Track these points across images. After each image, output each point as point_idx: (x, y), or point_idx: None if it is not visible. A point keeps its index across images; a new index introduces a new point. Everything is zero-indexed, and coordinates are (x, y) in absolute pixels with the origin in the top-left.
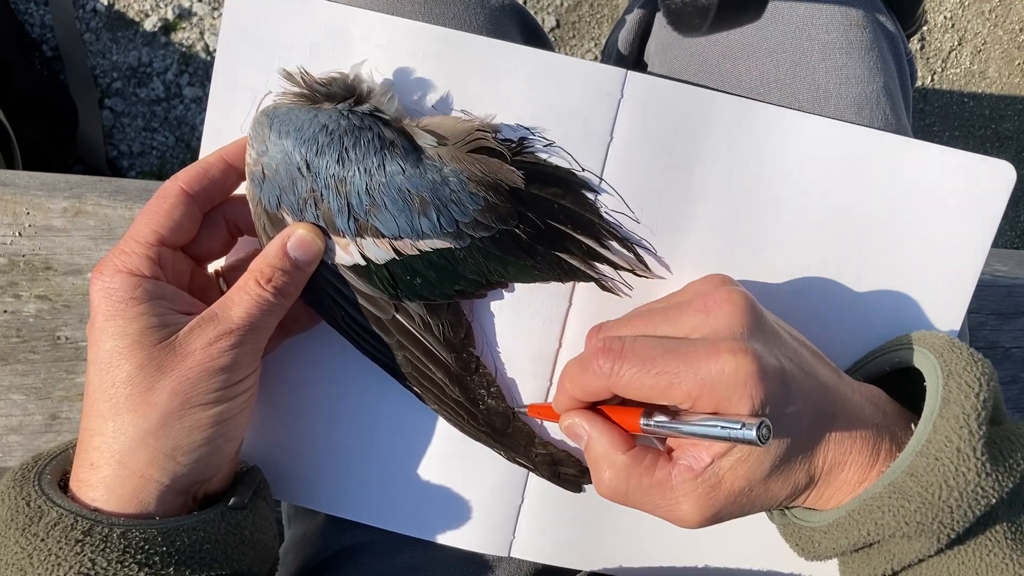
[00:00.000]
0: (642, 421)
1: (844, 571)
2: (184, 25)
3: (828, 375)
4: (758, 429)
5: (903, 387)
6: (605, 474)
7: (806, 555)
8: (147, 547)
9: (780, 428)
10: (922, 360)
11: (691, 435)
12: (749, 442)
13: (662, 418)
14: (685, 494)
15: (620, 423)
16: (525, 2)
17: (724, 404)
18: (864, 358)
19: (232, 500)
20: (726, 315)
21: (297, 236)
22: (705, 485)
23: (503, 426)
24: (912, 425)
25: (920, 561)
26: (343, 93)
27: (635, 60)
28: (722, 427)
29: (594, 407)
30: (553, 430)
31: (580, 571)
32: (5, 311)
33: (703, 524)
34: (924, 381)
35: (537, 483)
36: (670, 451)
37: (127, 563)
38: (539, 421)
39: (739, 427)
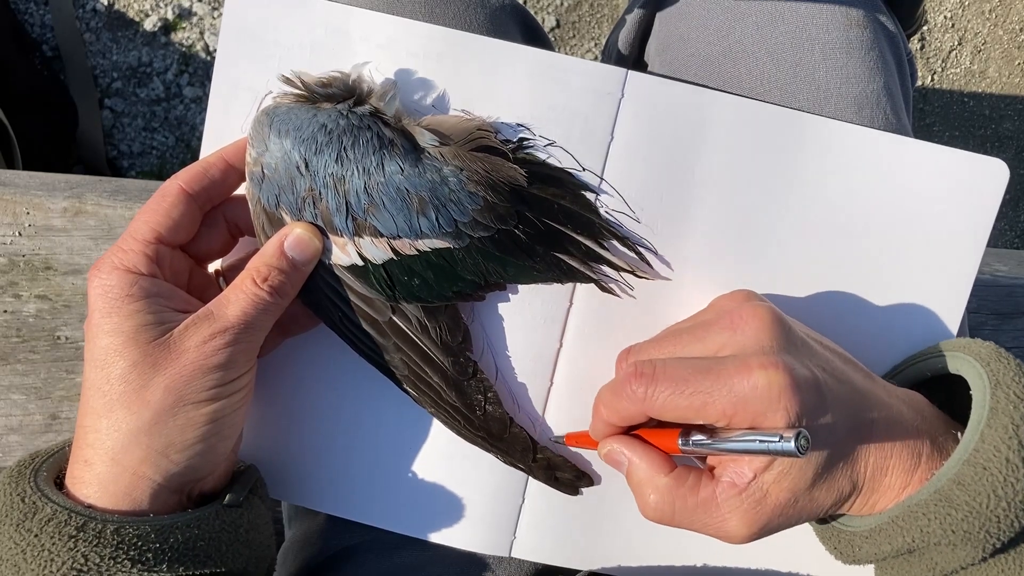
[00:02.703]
0: (680, 442)
1: None
2: (184, 25)
3: (862, 380)
4: (796, 440)
5: (941, 393)
6: (650, 497)
7: (844, 559)
8: (140, 544)
9: (818, 437)
10: (967, 368)
11: (730, 452)
12: (788, 454)
13: (700, 437)
14: (731, 511)
15: (658, 445)
16: (525, 2)
17: (760, 419)
18: (903, 363)
19: (227, 498)
20: (753, 331)
21: (294, 235)
22: (750, 500)
23: (500, 431)
24: (953, 431)
25: (962, 569)
26: (343, 93)
27: (635, 60)
28: (760, 441)
29: (630, 431)
30: (550, 435)
31: (580, 571)
32: (5, 311)
33: (752, 538)
34: (967, 389)
35: (537, 483)
36: (711, 469)
37: (120, 559)
38: (534, 424)
39: (777, 440)
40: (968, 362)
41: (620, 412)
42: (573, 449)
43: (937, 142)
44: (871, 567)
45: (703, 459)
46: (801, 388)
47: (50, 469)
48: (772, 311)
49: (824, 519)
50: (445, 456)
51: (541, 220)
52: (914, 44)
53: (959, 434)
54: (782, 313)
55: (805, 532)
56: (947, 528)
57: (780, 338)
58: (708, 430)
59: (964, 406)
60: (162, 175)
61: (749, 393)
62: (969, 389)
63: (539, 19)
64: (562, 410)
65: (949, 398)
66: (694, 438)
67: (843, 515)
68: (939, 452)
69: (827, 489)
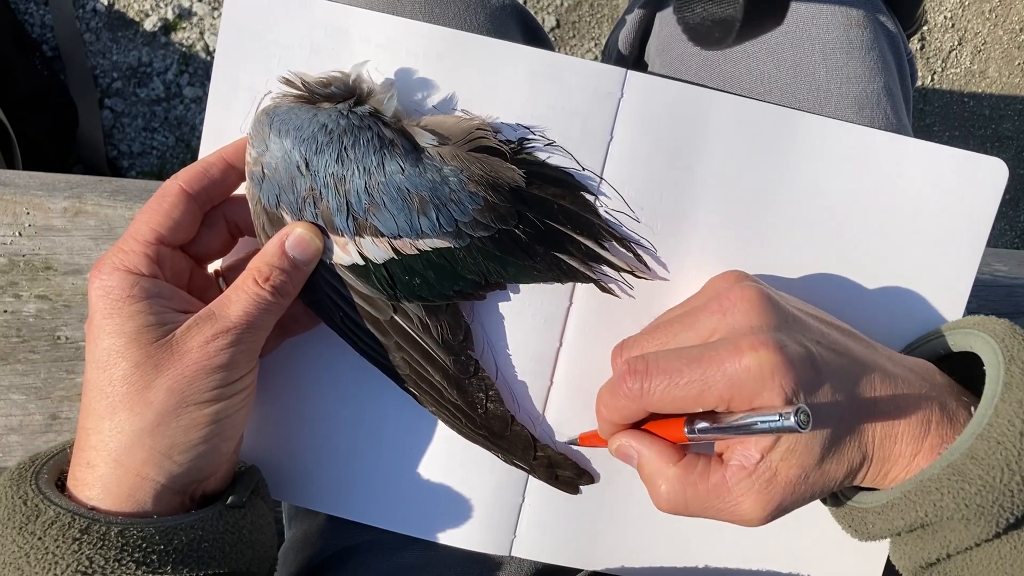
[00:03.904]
0: (686, 430)
1: (896, 552)
2: (184, 25)
3: (861, 350)
4: (796, 416)
5: (956, 372)
6: (662, 488)
7: (858, 536)
8: (144, 545)
9: (820, 411)
10: (981, 345)
11: (734, 434)
12: (790, 430)
13: (703, 424)
14: (743, 493)
15: (666, 436)
16: (525, 2)
17: (757, 399)
18: (917, 340)
19: (230, 499)
20: (742, 312)
21: (296, 235)
22: (761, 481)
23: (501, 429)
24: (965, 399)
25: (976, 546)
26: (343, 93)
27: (635, 60)
28: (761, 422)
29: (638, 425)
30: (550, 433)
31: (581, 571)
32: (5, 311)
33: (768, 519)
34: (981, 366)
35: (537, 482)
36: (720, 455)
37: (124, 561)
38: (535, 423)
39: (777, 418)
40: (982, 338)
41: (620, 410)
42: (575, 448)
43: (937, 142)
44: (874, 566)
45: (713, 445)
46: (795, 364)
47: (51, 471)
48: (760, 290)
49: (837, 497)
50: (445, 455)
51: (541, 220)
52: (914, 44)
53: (973, 406)
54: (772, 291)
55: (805, 532)
56: (960, 502)
57: (770, 316)
58: (711, 416)
59: (980, 384)
60: (162, 175)
61: (743, 375)
62: (984, 366)
63: (539, 19)
64: (562, 409)
65: (967, 374)
66: (698, 425)
67: (856, 491)
68: (949, 420)
69: (837, 461)
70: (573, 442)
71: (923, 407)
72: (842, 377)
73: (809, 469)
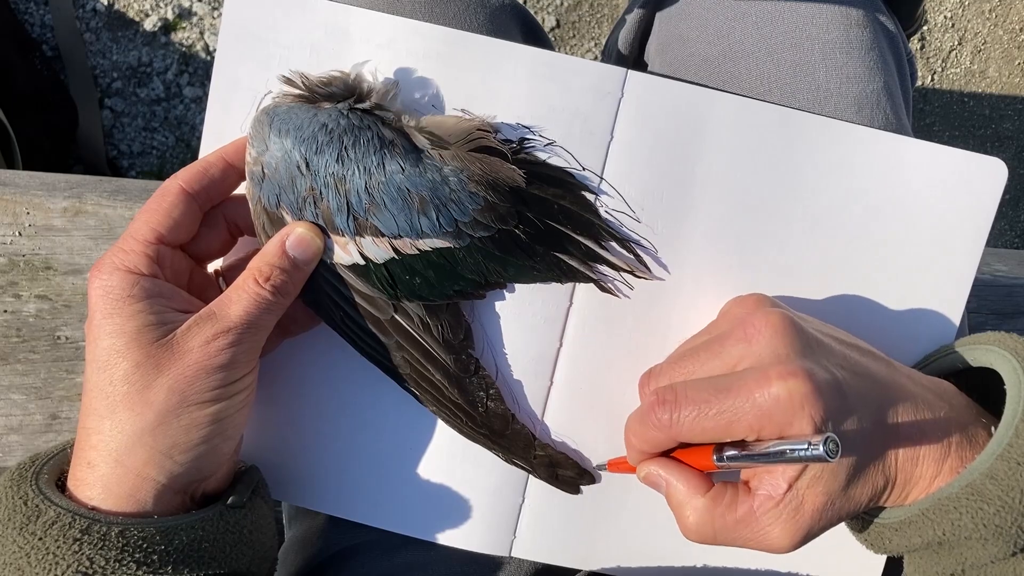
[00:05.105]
0: (714, 458)
1: (911, 566)
2: (184, 25)
3: (883, 371)
4: (825, 445)
5: (973, 383)
6: (690, 519)
7: (874, 550)
8: (145, 546)
9: (846, 437)
10: (1002, 363)
11: (763, 463)
12: (819, 459)
13: (732, 452)
14: (771, 522)
15: (694, 464)
16: (525, 2)
17: (787, 429)
18: (935, 353)
19: (231, 499)
20: (767, 340)
21: (296, 235)
22: (788, 510)
23: (501, 428)
24: (984, 420)
25: (992, 563)
26: (343, 93)
27: (635, 60)
28: (790, 450)
29: (666, 453)
30: (550, 433)
31: (580, 571)
32: (5, 311)
33: (796, 546)
34: (1001, 382)
35: (538, 483)
36: (746, 483)
37: (125, 562)
38: (534, 422)
39: (806, 447)
40: (1003, 357)
41: (649, 440)
42: (573, 447)
43: (937, 142)
44: (874, 567)
45: (739, 472)
46: (823, 392)
47: (51, 471)
48: (784, 316)
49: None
50: (445, 456)
51: (541, 220)
52: (914, 44)
53: (993, 426)
54: (795, 315)
55: None
56: (978, 522)
57: (795, 343)
58: (740, 444)
59: (998, 400)
60: (162, 175)
61: (772, 405)
62: (1003, 383)
63: (539, 19)
64: (562, 410)
65: (981, 389)
66: (727, 453)
67: (878, 508)
68: (969, 441)
69: (862, 486)
70: (602, 467)
71: (944, 428)
72: (866, 401)
73: (835, 495)
